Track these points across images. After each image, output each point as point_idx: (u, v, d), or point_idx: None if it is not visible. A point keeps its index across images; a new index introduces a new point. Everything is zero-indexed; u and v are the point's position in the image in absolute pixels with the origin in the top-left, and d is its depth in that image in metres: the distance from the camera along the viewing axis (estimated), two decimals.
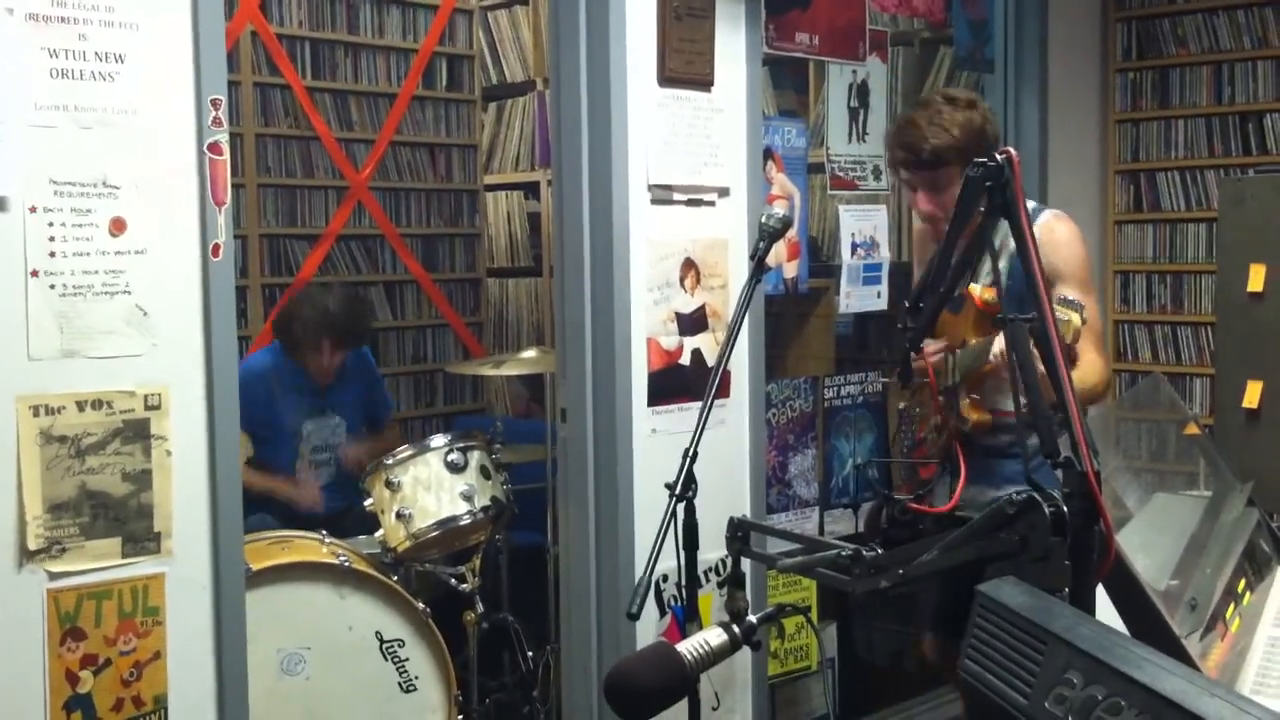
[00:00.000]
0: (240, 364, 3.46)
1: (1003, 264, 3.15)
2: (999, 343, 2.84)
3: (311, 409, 4.74)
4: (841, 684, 4.46)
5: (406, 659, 3.74)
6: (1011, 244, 3.09)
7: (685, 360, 3.73)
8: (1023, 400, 2.03)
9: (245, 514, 2.93)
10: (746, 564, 2.26)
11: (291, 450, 4.71)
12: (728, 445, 3.83)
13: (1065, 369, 1.96)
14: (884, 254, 4.39)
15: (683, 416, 3.67)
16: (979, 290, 3.08)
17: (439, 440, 4.12)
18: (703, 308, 3.76)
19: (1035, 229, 2.92)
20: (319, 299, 4.70)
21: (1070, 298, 2.42)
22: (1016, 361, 2.04)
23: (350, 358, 4.81)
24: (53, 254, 2.60)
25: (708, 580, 3.69)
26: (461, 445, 4.08)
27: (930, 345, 3.18)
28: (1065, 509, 1.79)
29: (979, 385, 3.12)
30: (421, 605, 3.78)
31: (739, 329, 2.77)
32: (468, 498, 4.01)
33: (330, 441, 4.78)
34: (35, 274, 2.58)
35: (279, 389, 4.66)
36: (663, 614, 3.68)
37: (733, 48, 3.80)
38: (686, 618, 2.67)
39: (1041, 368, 2.00)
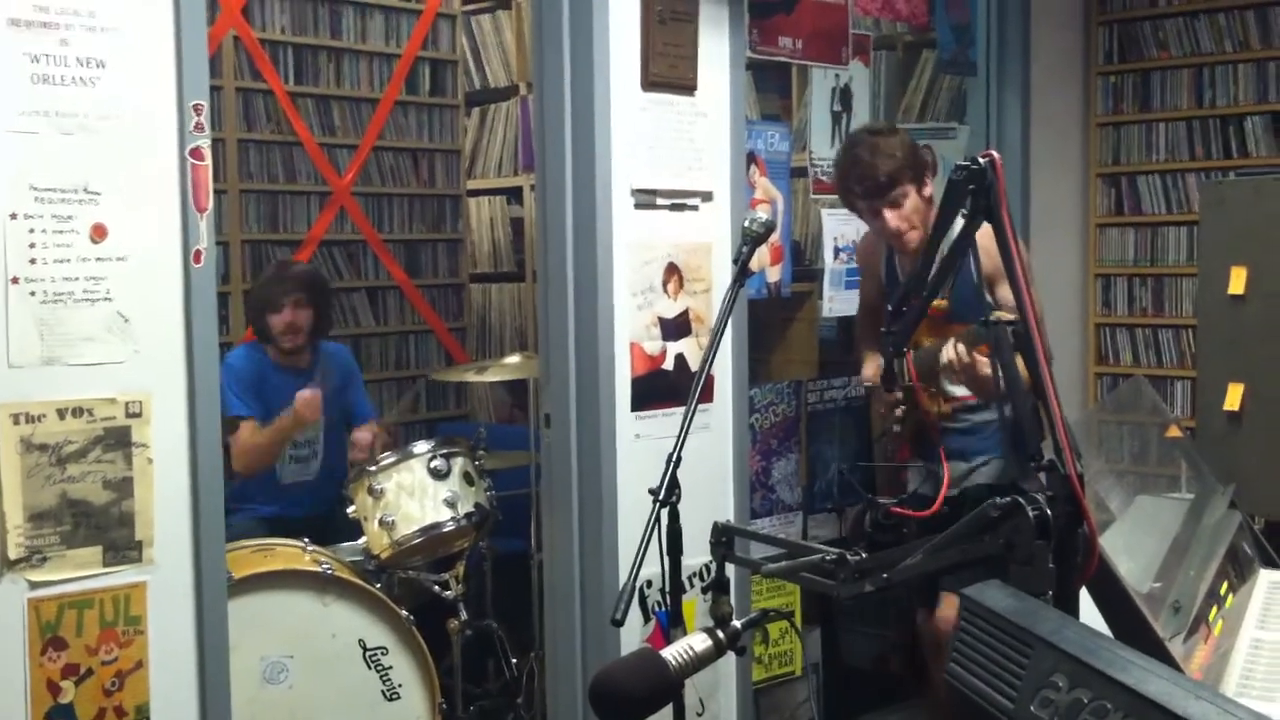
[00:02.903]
0: None
1: None
2: (947, 350, 3.08)
3: (284, 404, 4.68)
4: (826, 689, 4.45)
5: (390, 667, 3.72)
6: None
7: (668, 365, 3.72)
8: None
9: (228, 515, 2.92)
10: (731, 569, 2.25)
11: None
12: (711, 450, 3.83)
13: (1048, 371, 1.97)
14: None
15: (666, 421, 3.67)
16: None
17: (422, 447, 4.11)
18: (686, 312, 3.76)
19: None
20: (286, 265, 4.82)
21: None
22: (999, 363, 2.05)
23: (325, 354, 4.76)
24: (33, 260, 2.58)
25: (692, 586, 3.68)
26: (445, 452, 4.07)
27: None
28: (1049, 512, 1.79)
29: (933, 381, 3.40)
30: (405, 612, 3.77)
31: (722, 333, 2.77)
32: (451, 504, 4.00)
33: (309, 436, 4.71)
34: (16, 281, 2.57)
35: (249, 383, 4.59)
36: (647, 620, 3.68)
37: (716, 52, 3.80)
38: (671, 623, 2.66)
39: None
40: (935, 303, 3.24)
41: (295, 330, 4.60)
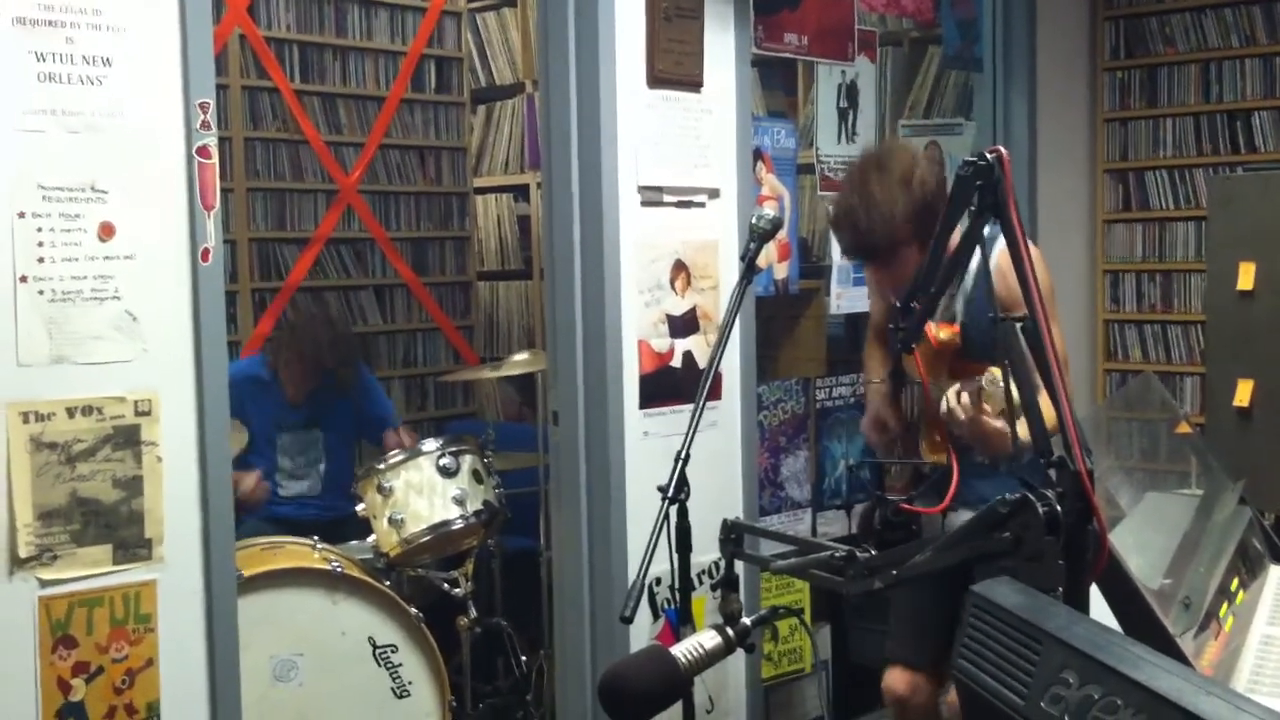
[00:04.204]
0: None
1: (959, 305, 3.12)
2: (949, 398, 2.80)
3: (288, 422, 4.72)
4: (835, 686, 4.45)
5: (400, 664, 3.73)
6: (968, 283, 3.11)
7: (676, 362, 3.72)
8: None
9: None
10: (740, 566, 2.25)
11: (269, 462, 4.69)
12: (720, 447, 3.82)
13: (1060, 371, 1.96)
14: None
15: (674, 419, 3.67)
16: (934, 329, 2.95)
17: (431, 445, 4.11)
18: (693, 310, 3.76)
19: (993, 256, 2.83)
20: (314, 328, 4.74)
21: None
22: (1009, 363, 2.04)
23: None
24: (41, 259, 2.59)
25: (701, 583, 3.69)
26: (453, 450, 4.08)
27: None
28: (1059, 508, 1.78)
29: (938, 424, 3.01)
30: (414, 610, 3.77)
31: (730, 331, 2.77)
32: (460, 502, 4.01)
33: (310, 454, 4.75)
34: (24, 279, 2.57)
35: (254, 400, 4.63)
36: (656, 617, 3.68)
37: (722, 48, 3.80)
38: (680, 621, 2.66)
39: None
40: (945, 337, 2.98)
41: (298, 388, 4.65)
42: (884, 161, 3.08)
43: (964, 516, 2.95)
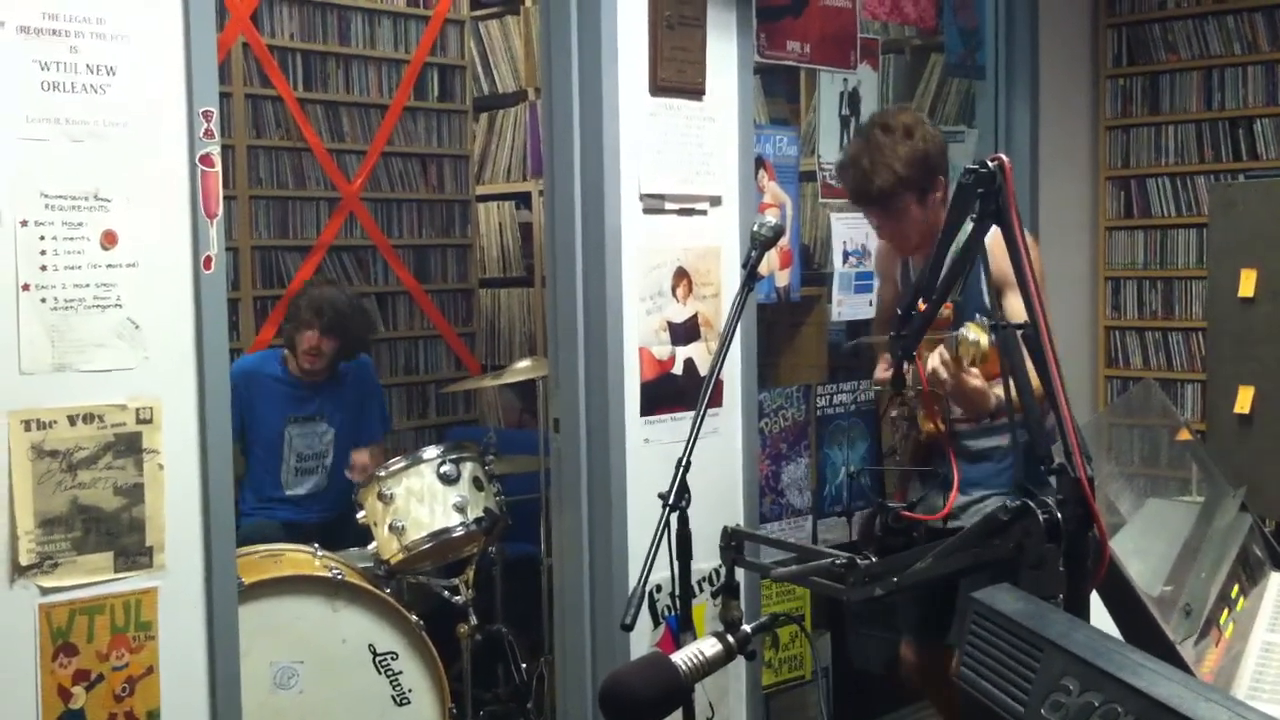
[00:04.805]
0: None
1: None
2: (932, 359, 2.86)
3: (296, 415, 4.72)
4: (836, 693, 4.45)
5: (400, 672, 3.73)
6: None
7: (678, 370, 3.72)
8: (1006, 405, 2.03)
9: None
10: (740, 573, 2.25)
11: (276, 455, 4.70)
12: (721, 454, 3.82)
13: (1059, 376, 1.96)
14: None
15: (675, 426, 3.67)
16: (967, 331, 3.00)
17: (432, 452, 4.11)
18: (695, 317, 3.76)
19: (989, 237, 2.81)
20: (331, 290, 4.80)
21: (981, 319, 2.46)
22: (1009, 368, 2.05)
23: (348, 367, 4.80)
24: (44, 267, 2.59)
25: (701, 590, 3.69)
26: (454, 457, 4.08)
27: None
28: (1059, 515, 1.78)
29: (933, 397, 3.08)
30: (415, 617, 3.77)
31: (731, 338, 2.77)
32: (461, 509, 4.01)
33: (317, 449, 4.76)
34: (27, 287, 2.57)
35: (262, 392, 4.65)
36: (657, 624, 3.68)
37: (724, 56, 3.80)
38: (681, 628, 2.67)
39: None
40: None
41: (317, 354, 4.64)
42: (888, 120, 3.36)
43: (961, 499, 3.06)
